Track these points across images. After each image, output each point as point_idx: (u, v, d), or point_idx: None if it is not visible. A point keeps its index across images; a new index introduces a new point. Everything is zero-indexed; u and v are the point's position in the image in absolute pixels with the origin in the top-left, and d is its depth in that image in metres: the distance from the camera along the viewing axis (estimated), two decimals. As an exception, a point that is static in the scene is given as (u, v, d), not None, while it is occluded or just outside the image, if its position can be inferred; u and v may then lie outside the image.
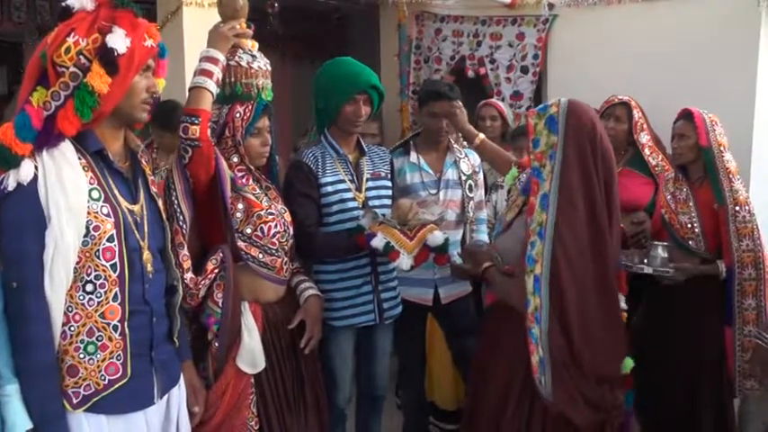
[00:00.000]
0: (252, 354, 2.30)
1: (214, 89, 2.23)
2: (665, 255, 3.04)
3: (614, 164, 2.34)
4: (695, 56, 3.84)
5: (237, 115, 2.36)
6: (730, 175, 3.06)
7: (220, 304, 2.22)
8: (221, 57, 2.27)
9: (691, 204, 3.14)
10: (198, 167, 2.21)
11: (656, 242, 3.09)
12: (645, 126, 3.55)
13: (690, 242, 3.13)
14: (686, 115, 3.16)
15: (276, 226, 2.39)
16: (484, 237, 3.33)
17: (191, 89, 2.24)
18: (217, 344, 2.25)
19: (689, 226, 3.14)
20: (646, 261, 3.05)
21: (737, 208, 3.02)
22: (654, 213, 3.37)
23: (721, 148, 3.08)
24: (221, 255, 2.24)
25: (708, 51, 3.80)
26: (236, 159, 2.39)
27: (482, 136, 3.16)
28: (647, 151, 3.52)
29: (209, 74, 2.22)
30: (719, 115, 3.21)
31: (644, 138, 3.54)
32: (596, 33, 4.26)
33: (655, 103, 3.60)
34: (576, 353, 2.18)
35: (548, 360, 2.17)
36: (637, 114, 3.53)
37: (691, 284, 3.06)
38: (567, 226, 2.19)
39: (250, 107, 2.37)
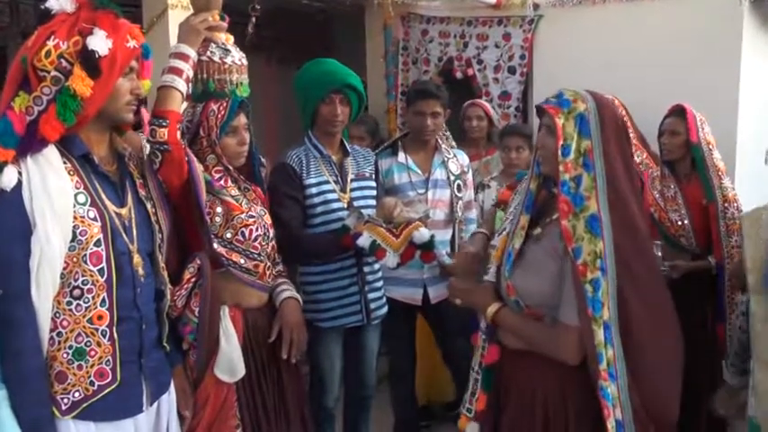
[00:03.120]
0: (230, 361, 2.23)
1: (183, 88, 2.12)
2: (659, 253, 3.05)
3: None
4: (679, 55, 3.87)
5: (211, 113, 2.26)
6: (719, 173, 3.11)
7: (197, 313, 2.14)
8: (191, 52, 2.16)
9: (679, 201, 3.17)
10: (169, 172, 2.08)
11: None
12: (629, 124, 3.56)
13: (681, 239, 3.16)
14: (678, 112, 3.19)
15: (257, 229, 2.33)
16: None
17: (159, 88, 2.12)
18: (194, 354, 2.17)
19: (679, 223, 3.16)
20: None
21: (726, 205, 3.07)
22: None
23: (710, 146, 3.12)
24: (198, 263, 2.15)
25: (692, 50, 3.83)
26: (212, 160, 2.30)
27: None
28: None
29: (178, 71, 2.12)
30: (704, 114, 3.24)
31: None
32: (581, 33, 4.28)
33: (639, 102, 3.63)
34: (654, 407, 1.83)
35: (630, 422, 1.79)
36: (623, 113, 3.54)
37: (681, 281, 3.08)
38: (635, 252, 1.79)
39: (224, 104, 2.27)
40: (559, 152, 1.81)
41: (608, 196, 1.78)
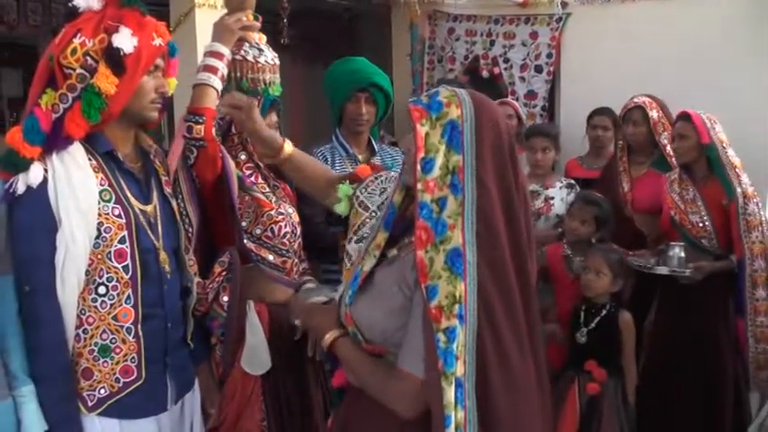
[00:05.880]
0: (256, 354, 2.24)
1: (218, 86, 2.15)
2: (683, 255, 3.09)
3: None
4: (709, 54, 3.81)
5: None
6: (737, 170, 3.11)
7: (225, 308, 2.15)
8: (226, 51, 2.19)
9: (699, 204, 3.18)
10: (204, 168, 2.13)
11: (672, 242, 3.13)
12: (666, 125, 3.53)
13: (702, 240, 3.17)
14: (684, 117, 3.20)
15: (286, 226, 2.33)
16: None
17: (194, 86, 2.16)
18: (221, 350, 2.19)
19: (700, 225, 3.17)
20: (661, 262, 3.11)
21: (746, 201, 3.07)
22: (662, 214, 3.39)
23: (723, 145, 3.12)
24: (229, 257, 2.17)
25: (722, 50, 3.78)
26: (243, 157, 2.32)
27: (290, 148, 2.14)
28: (669, 150, 3.50)
29: (213, 70, 2.15)
30: (734, 113, 3.23)
31: (665, 138, 3.53)
32: (610, 32, 4.23)
33: (669, 102, 3.57)
34: None
35: None
36: (656, 114, 3.52)
37: (702, 280, 3.09)
38: (501, 302, 1.44)
39: (257, 103, 2.25)
40: (418, 166, 1.43)
41: (477, 228, 1.42)
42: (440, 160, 1.43)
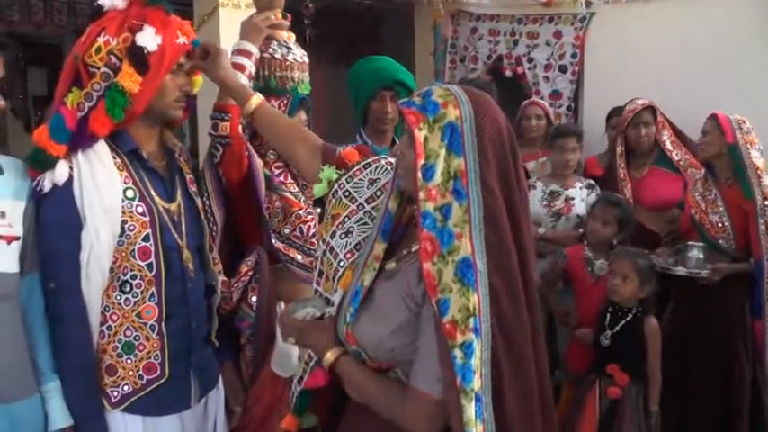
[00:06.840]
0: (286, 356, 2.20)
1: (246, 84, 2.13)
2: (701, 256, 3.10)
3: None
4: (734, 53, 3.79)
5: None
6: (758, 171, 3.13)
7: (254, 308, 2.14)
8: (254, 49, 2.19)
9: (719, 205, 3.19)
10: (230, 166, 2.11)
11: (691, 243, 3.15)
12: (665, 123, 3.60)
13: (720, 241, 3.19)
14: (711, 117, 3.24)
15: (315, 225, 2.32)
16: None
17: None
18: (251, 350, 2.18)
19: (720, 225, 3.19)
20: (680, 262, 3.14)
21: (766, 202, 3.08)
22: (683, 212, 3.41)
23: (748, 146, 3.14)
24: (256, 257, 2.17)
25: (748, 48, 3.75)
26: (272, 156, 2.31)
27: (259, 98, 1.96)
28: (669, 147, 3.56)
29: (240, 68, 2.13)
30: (757, 112, 3.19)
31: (665, 135, 3.59)
32: (635, 31, 4.20)
33: (692, 101, 3.57)
34: None
35: None
36: (658, 112, 3.58)
37: (719, 282, 3.10)
38: (512, 310, 1.38)
39: (285, 101, 2.30)
40: (419, 174, 1.36)
41: (485, 236, 1.35)
42: (440, 166, 1.36)
